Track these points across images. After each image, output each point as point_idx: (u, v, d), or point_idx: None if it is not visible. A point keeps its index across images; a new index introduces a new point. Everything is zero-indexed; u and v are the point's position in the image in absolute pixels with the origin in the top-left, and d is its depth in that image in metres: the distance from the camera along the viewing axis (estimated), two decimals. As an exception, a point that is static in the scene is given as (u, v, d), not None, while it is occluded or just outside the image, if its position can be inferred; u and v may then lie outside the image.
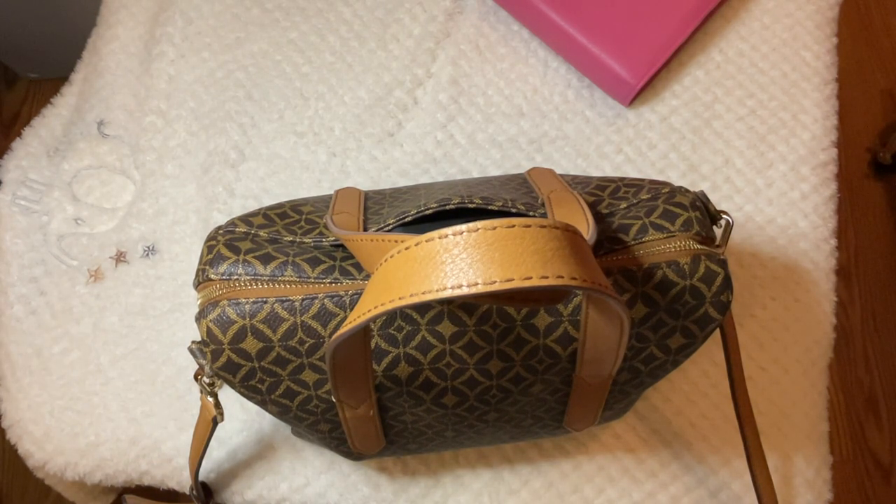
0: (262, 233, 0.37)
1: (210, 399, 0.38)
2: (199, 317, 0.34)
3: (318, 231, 0.37)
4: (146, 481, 0.49)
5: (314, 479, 0.47)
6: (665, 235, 0.35)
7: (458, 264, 0.24)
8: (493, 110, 0.56)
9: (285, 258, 0.35)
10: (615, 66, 0.52)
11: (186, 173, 0.55)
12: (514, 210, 0.35)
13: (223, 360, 0.34)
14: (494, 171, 0.54)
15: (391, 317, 0.35)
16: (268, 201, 0.54)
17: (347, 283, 0.34)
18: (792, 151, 0.53)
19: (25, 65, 1.21)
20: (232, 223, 0.38)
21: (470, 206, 0.35)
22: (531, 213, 0.35)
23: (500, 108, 0.56)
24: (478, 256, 0.24)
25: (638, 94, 0.54)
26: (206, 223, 0.54)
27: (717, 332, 0.44)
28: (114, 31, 0.59)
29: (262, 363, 0.34)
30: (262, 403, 0.36)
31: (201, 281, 0.35)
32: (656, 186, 0.38)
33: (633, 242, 0.35)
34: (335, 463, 0.48)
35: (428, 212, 0.35)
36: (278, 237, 0.37)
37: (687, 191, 0.37)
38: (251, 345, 0.34)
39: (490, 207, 0.35)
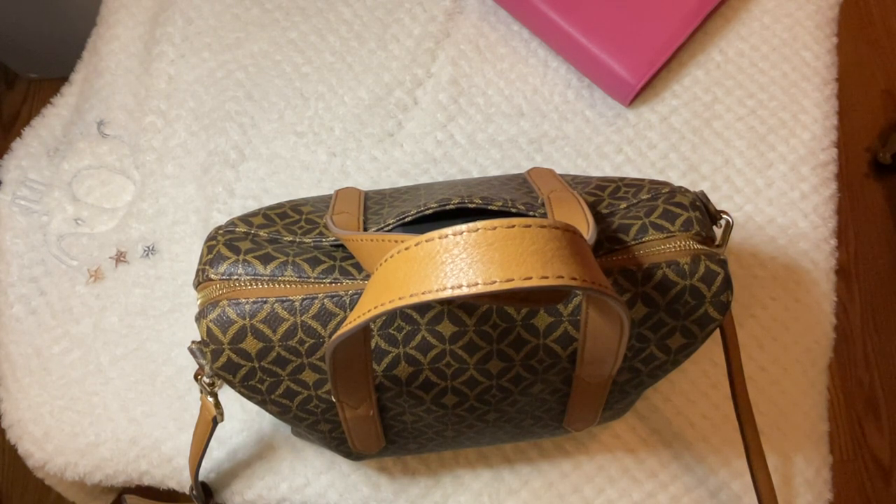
0: (262, 233, 0.37)
1: (210, 399, 0.38)
2: (199, 317, 0.34)
3: (318, 231, 0.37)
4: (146, 481, 0.49)
5: (314, 479, 0.47)
6: (665, 235, 0.35)
7: (458, 264, 0.24)
8: (493, 110, 0.56)
9: (285, 258, 0.35)
10: (615, 66, 0.53)
11: (186, 173, 0.55)
12: (514, 210, 0.35)
13: (223, 360, 0.34)
14: (494, 171, 0.54)
15: (391, 317, 0.35)
16: (268, 201, 0.54)
17: (347, 283, 0.34)
18: (792, 151, 0.53)
19: (25, 65, 1.21)
20: (232, 223, 0.38)
21: (470, 206, 0.35)
22: (531, 213, 0.35)
23: (500, 108, 0.56)
24: (478, 256, 0.24)
25: (638, 94, 0.54)
26: (206, 223, 0.54)
27: (717, 332, 0.44)
28: (114, 31, 0.59)
29: (262, 363, 0.34)
30: (262, 403, 0.36)
31: (201, 281, 0.35)
32: (656, 186, 0.38)
33: (632, 242, 0.35)
34: (335, 463, 0.48)
35: (428, 212, 0.35)
36: (278, 237, 0.37)
37: (687, 191, 0.37)
38: (251, 345, 0.34)
39: (490, 207, 0.35)
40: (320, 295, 0.34)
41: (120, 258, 0.53)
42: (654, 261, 0.34)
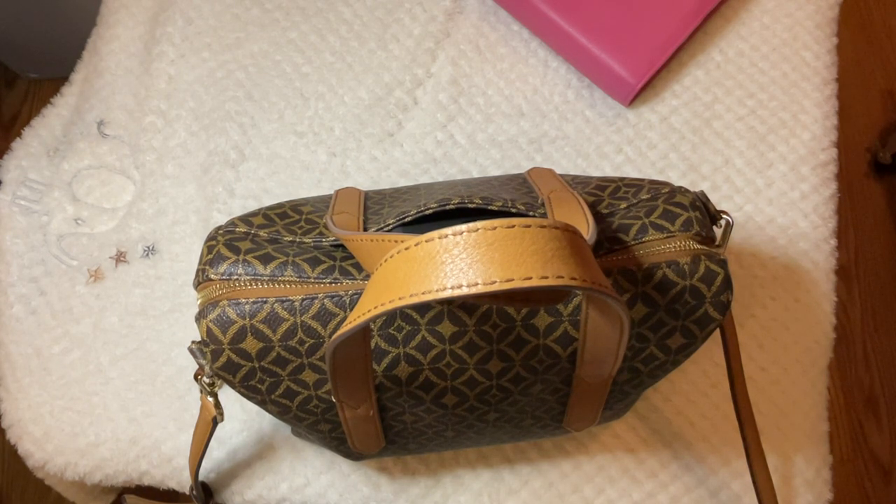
0: (261, 233, 0.37)
1: (210, 399, 0.38)
2: (199, 317, 0.34)
3: (318, 231, 0.37)
4: (146, 481, 0.49)
5: (314, 479, 0.47)
6: (665, 235, 0.35)
7: (457, 264, 0.24)
8: (493, 110, 0.56)
9: (285, 258, 0.35)
10: (615, 66, 0.53)
11: (186, 173, 0.55)
12: (514, 210, 0.35)
13: (223, 360, 0.34)
14: (494, 171, 0.54)
15: (391, 317, 0.35)
16: (268, 201, 0.54)
17: (347, 283, 0.34)
18: (792, 151, 0.53)
19: (25, 65, 1.21)
20: (232, 223, 0.38)
21: (470, 206, 0.35)
22: (531, 213, 0.35)
23: (500, 108, 0.56)
24: (478, 256, 0.24)
25: (638, 94, 0.54)
26: (206, 223, 0.54)
27: (718, 332, 0.44)
28: (114, 31, 0.59)
29: (261, 363, 0.34)
30: (262, 403, 0.36)
31: (201, 281, 0.35)
32: (656, 186, 0.38)
33: (632, 242, 0.35)
34: (335, 463, 0.48)
35: (428, 212, 0.35)
36: (278, 237, 0.37)
37: (687, 191, 0.37)
38: (251, 345, 0.34)
39: (490, 207, 0.35)
40: (320, 295, 0.34)
41: (120, 258, 0.53)
42: (654, 261, 0.34)
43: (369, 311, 0.25)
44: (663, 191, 0.37)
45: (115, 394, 0.50)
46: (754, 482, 0.42)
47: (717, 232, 0.44)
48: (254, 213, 0.38)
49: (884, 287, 1.12)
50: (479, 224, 0.24)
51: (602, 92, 0.56)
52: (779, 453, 0.47)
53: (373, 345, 0.35)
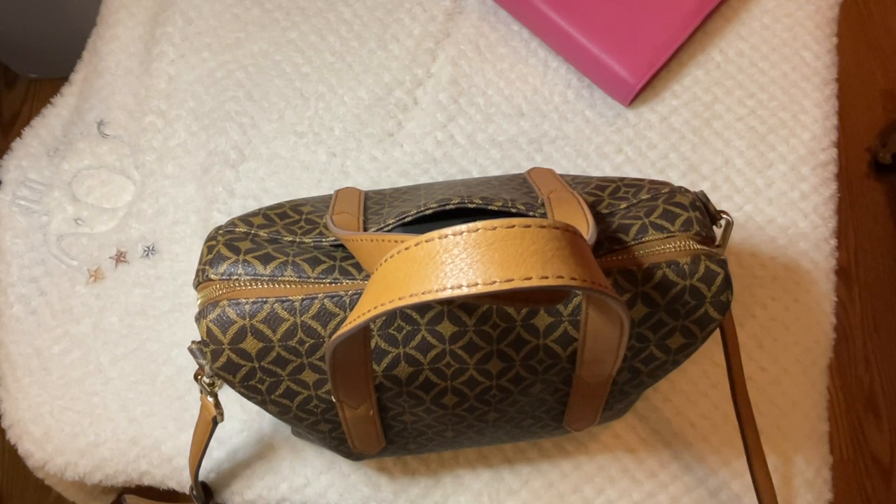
0: (261, 233, 0.37)
1: (210, 399, 0.38)
2: (199, 317, 0.34)
3: (317, 231, 0.37)
4: (146, 481, 0.49)
5: (314, 479, 0.47)
6: (665, 235, 0.35)
7: (457, 264, 0.24)
8: (493, 110, 0.56)
9: (285, 258, 0.35)
10: (615, 66, 0.52)
11: (186, 173, 0.55)
12: (514, 210, 0.35)
13: (223, 360, 0.34)
14: (494, 171, 0.54)
15: (391, 317, 0.35)
16: (268, 201, 0.54)
17: (347, 283, 0.34)
18: (792, 151, 0.53)
19: (25, 65, 1.21)
20: (232, 223, 0.38)
21: (470, 206, 0.35)
22: (531, 213, 0.35)
23: (500, 108, 0.56)
24: (478, 257, 0.24)
25: (638, 94, 0.54)
26: (206, 223, 0.54)
27: (718, 332, 0.44)
28: (114, 31, 0.59)
29: (261, 363, 0.34)
30: (262, 403, 0.36)
31: (201, 281, 0.35)
32: (656, 186, 0.38)
33: (632, 242, 0.35)
34: (335, 463, 0.48)
35: (428, 212, 0.35)
36: (278, 237, 0.37)
37: (687, 191, 0.37)
38: (251, 345, 0.34)
39: (490, 207, 0.35)
40: (320, 295, 0.34)
41: (120, 258, 0.53)
42: (654, 261, 0.34)
43: (369, 311, 0.25)
44: (663, 191, 0.37)
45: (115, 394, 0.50)
46: (754, 482, 0.42)
47: (717, 232, 0.44)
48: (254, 213, 0.38)
49: (884, 287, 1.12)
50: (479, 224, 0.24)
51: (602, 92, 0.56)
52: (779, 453, 0.47)
53: (373, 345, 0.35)
